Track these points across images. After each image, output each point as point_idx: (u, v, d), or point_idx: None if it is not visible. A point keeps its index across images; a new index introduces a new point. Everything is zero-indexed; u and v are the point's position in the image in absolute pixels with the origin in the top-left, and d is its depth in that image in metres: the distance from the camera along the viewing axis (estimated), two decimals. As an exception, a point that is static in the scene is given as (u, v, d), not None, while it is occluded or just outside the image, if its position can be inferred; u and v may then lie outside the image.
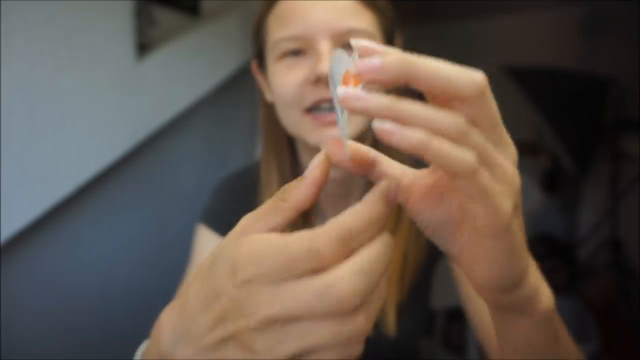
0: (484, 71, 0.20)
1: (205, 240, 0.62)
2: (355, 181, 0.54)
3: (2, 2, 0.67)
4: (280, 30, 0.47)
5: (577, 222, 2.01)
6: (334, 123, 0.45)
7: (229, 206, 0.60)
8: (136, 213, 1.02)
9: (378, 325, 0.53)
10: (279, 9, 0.48)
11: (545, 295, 0.24)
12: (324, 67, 0.43)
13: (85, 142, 0.84)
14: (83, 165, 0.85)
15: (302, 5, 0.46)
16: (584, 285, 1.75)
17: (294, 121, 0.47)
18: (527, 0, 1.90)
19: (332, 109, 0.45)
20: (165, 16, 1.08)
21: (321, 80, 0.44)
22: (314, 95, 0.45)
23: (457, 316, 1.24)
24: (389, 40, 0.50)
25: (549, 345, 0.26)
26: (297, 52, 0.46)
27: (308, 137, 0.46)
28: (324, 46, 0.44)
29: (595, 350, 1.33)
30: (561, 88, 1.78)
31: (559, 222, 2.02)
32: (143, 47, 0.97)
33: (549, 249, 1.89)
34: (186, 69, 1.09)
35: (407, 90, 0.19)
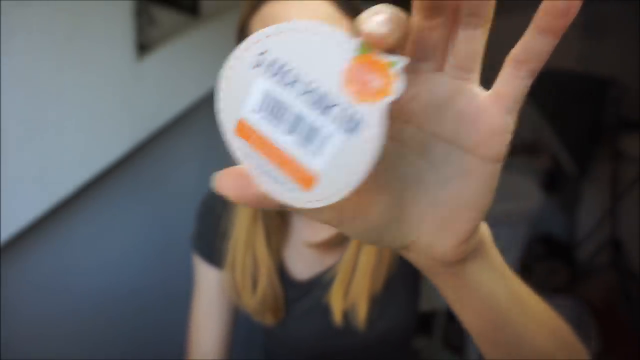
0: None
1: (200, 272, 0.62)
2: None
3: (2, 2, 0.67)
4: None
5: (577, 222, 2.01)
6: None
7: (214, 229, 0.60)
8: (136, 213, 1.02)
9: (349, 319, 0.52)
10: (265, 11, 0.47)
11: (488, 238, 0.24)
12: None
13: (85, 142, 0.84)
14: (83, 165, 0.85)
15: (289, 8, 0.46)
16: (584, 285, 1.74)
17: None
18: (526, 0, 1.90)
19: None
20: (165, 16, 1.08)
21: None
22: None
23: (457, 316, 1.24)
24: None
25: (515, 304, 0.25)
26: None
27: None
28: None
29: (595, 350, 1.33)
30: (561, 88, 1.78)
31: (559, 222, 2.01)
32: (143, 47, 0.97)
33: (549, 249, 1.89)
34: (186, 69, 1.09)
35: None
